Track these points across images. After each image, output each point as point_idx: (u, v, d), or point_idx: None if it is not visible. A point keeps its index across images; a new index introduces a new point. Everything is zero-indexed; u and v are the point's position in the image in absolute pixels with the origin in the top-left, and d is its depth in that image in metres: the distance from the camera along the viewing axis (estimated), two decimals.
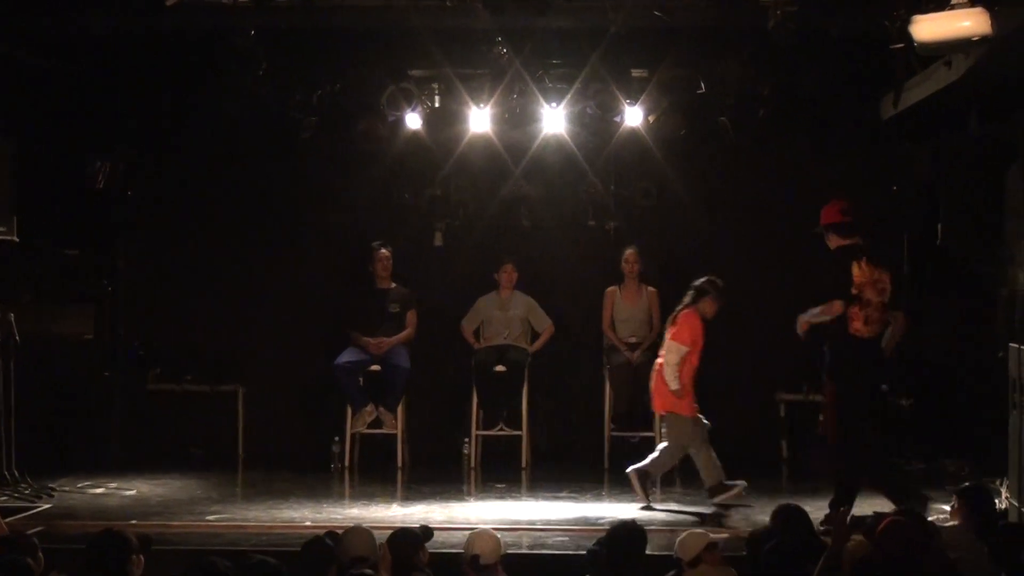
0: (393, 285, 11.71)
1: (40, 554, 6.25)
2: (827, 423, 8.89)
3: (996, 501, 7.39)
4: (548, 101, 11.15)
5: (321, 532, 6.63)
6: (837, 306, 8.62)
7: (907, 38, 8.39)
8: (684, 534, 6.93)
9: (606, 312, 11.63)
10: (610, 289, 11.65)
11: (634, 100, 11.08)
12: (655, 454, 9.83)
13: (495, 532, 6.85)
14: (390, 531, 6.66)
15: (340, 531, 6.57)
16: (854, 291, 8.62)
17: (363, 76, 11.10)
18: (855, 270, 8.65)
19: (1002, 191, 10.31)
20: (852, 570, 6.22)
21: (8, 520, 7.90)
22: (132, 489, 10.30)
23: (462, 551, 6.64)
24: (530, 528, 8.78)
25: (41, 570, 6.04)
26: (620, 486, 10.19)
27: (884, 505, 8.52)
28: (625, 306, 11.62)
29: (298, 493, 10.08)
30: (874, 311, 8.66)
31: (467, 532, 6.95)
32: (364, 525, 6.87)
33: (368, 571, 5.58)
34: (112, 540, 5.95)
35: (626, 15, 9.49)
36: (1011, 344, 9.14)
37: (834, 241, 8.84)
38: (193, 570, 5.52)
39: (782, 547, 5.90)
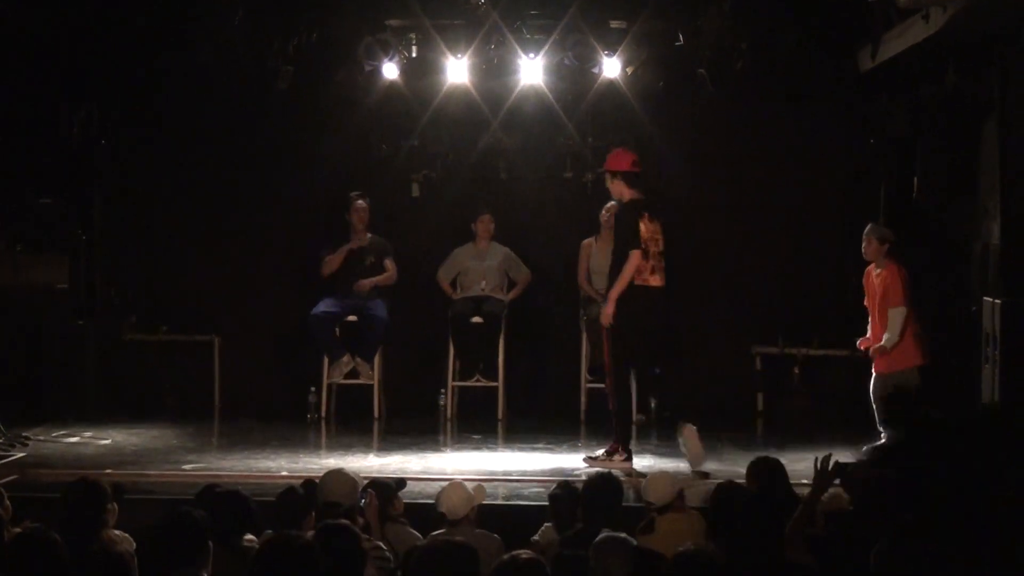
0: (368, 236, 11.65)
1: (7, 502, 6.24)
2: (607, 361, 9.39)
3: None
4: (526, 52, 11.10)
5: (297, 482, 6.64)
6: (635, 256, 9.09)
7: None
8: (653, 476, 6.93)
9: (582, 264, 11.60)
10: (586, 241, 11.63)
11: (612, 51, 11.04)
12: None
13: (469, 482, 6.86)
14: (366, 482, 6.68)
15: (316, 480, 6.57)
16: (643, 245, 9.12)
17: (340, 26, 11.02)
18: (642, 226, 9.14)
19: (978, 145, 10.31)
20: (827, 522, 6.27)
21: None
22: (107, 438, 10.28)
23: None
24: (506, 479, 8.81)
25: (9, 517, 6.02)
26: (596, 437, 10.21)
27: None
28: (601, 258, 11.60)
29: (274, 443, 10.08)
30: (656, 261, 9.18)
31: (443, 483, 6.96)
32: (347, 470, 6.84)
33: (344, 521, 5.56)
34: (86, 489, 5.94)
35: None
36: (985, 298, 9.19)
37: (623, 191, 9.29)
38: (168, 519, 5.51)
39: (758, 500, 5.92)
